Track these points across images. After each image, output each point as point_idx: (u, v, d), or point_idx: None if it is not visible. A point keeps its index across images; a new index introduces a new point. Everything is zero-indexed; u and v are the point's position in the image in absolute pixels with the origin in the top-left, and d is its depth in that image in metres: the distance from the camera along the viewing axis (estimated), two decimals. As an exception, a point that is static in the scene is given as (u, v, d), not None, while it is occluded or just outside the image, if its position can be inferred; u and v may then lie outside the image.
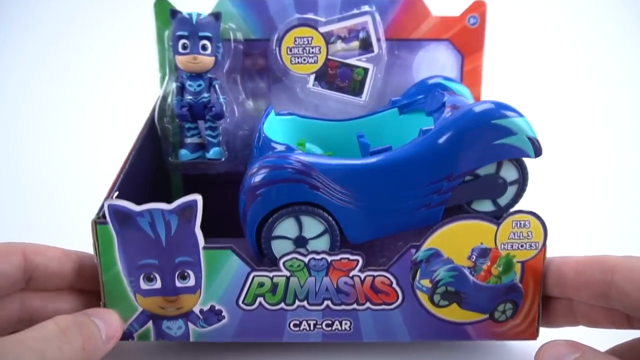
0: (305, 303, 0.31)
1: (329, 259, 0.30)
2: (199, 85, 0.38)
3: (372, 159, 0.30)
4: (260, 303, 0.31)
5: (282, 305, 0.31)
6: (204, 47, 0.36)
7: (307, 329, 0.31)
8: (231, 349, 0.33)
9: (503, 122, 0.29)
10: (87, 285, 0.32)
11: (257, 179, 0.30)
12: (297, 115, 0.40)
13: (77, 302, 0.31)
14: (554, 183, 0.32)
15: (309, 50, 0.39)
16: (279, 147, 0.32)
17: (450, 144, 0.30)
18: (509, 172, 0.31)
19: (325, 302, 0.31)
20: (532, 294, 0.31)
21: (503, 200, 0.32)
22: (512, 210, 0.30)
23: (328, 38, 0.39)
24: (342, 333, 0.31)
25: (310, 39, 0.39)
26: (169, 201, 0.44)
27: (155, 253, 0.30)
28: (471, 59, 0.42)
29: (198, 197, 0.29)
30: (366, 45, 0.39)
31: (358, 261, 0.30)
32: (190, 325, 0.31)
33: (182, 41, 0.36)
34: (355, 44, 0.39)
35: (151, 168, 0.39)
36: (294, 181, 0.29)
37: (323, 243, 0.31)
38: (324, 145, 0.40)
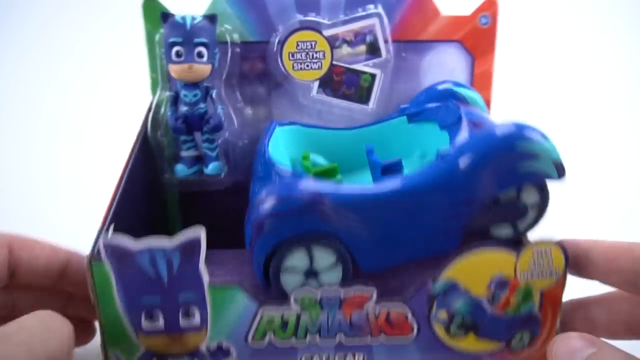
0: (317, 337, 0.29)
1: (342, 293, 0.29)
2: (195, 96, 0.35)
3: (388, 185, 0.29)
4: (269, 339, 0.29)
5: (293, 340, 0.29)
6: (200, 55, 0.33)
7: (319, 362, 0.30)
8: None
9: (528, 146, 0.27)
10: (71, 288, 0.30)
11: (265, 210, 0.28)
12: (300, 125, 0.38)
13: (60, 304, 0.30)
14: (570, 186, 0.31)
15: (312, 55, 0.36)
16: (285, 172, 0.29)
17: (470, 169, 0.28)
18: (530, 195, 0.30)
19: (338, 336, 0.29)
20: (550, 322, 0.30)
21: (522, 223, 0.31)
22: (534, 240, 0.29)
23: (333, 42, 0.36)
24: (355, 365, 0.30)
25: (313, 43, 0.36)
26: (166, 220, 0.42)
27: (156, 291, 0.28)
28: (482, 61, 0.40)
29: (201, 232, 0.27)
30: (373, 50, 0.36)
31: (372, 294, 0.29)
32: (197, 363, 0.30)
33: (175, 48, 0.33)
34: (362, 48, 0.36)
35: (146, 184, 0.36)
36: (305, 212, 0.27)
37: (335, 274, 0.30)
38: (329, 155, 0.38)
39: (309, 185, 0.28)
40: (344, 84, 0.37)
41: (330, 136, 0.38)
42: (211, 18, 0.34)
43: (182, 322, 0.28)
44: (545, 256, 0.29)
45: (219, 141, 0.36)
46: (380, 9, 0.37)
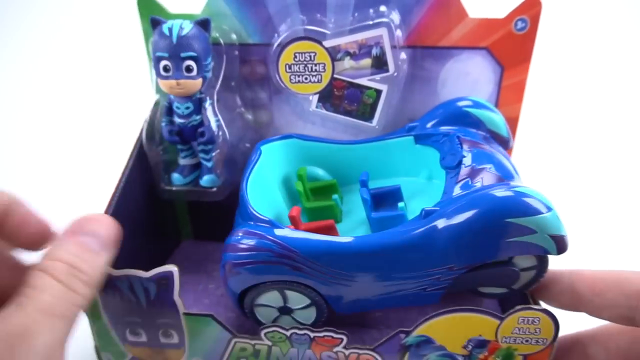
0: (288, 366, 0.30)
1: (312, 335, 0.29)
2: (187, 108, 0.34)
3: (363, 240, 0.27)
4: (243, 362, 0.31)
5: (266, 365, 0.30)
6: (189, 69, 0.32)
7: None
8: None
9: (520, 221, 0.24)
10: (13, 231, 0.26)
11: (233, 257, 0.28)
12: (297, 138, 0.36)
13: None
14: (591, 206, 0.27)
15: (311, 67, 0.33)
16: (258, 218, 0.28)
17: (453, 236, 0.25)
18: (524, 261, 0.27)
19: (309, 369, 0.30)
20: (530, 382, 0.29)
21: (516, 284, 0.28)
22: (519, 307, 0.27)
23: (334, 54, 0.32)
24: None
25: (313, 54, 0.32)
26: (173, 228, 0.43)
27: (137, 313, 0.30)
28: (513, 72, 0.34)
29: (174, 269, 0.28)
30: (380, 64, 0.32)
31: (342, 340, 0.29)
32: (180, 372, 0.32)
33: (162, 63, 0.31)
34: (367, 61, 0.32)
35: (145, 192, 0.37)
36: (274, 263, 0.27)
37: (309, 313, 0.30)
38: (329, 169, 0.36)
39: (281, 237, 0.27)
40: (345, 99, 0.34)
41: (330, 150, 0.36)
42: (204, 24, 0.32)
43: (162, 340, 0.30)
44: (532, 324, 0.27)
45: (216, 152, 0.35)
46: (390, 18, 0.32)
